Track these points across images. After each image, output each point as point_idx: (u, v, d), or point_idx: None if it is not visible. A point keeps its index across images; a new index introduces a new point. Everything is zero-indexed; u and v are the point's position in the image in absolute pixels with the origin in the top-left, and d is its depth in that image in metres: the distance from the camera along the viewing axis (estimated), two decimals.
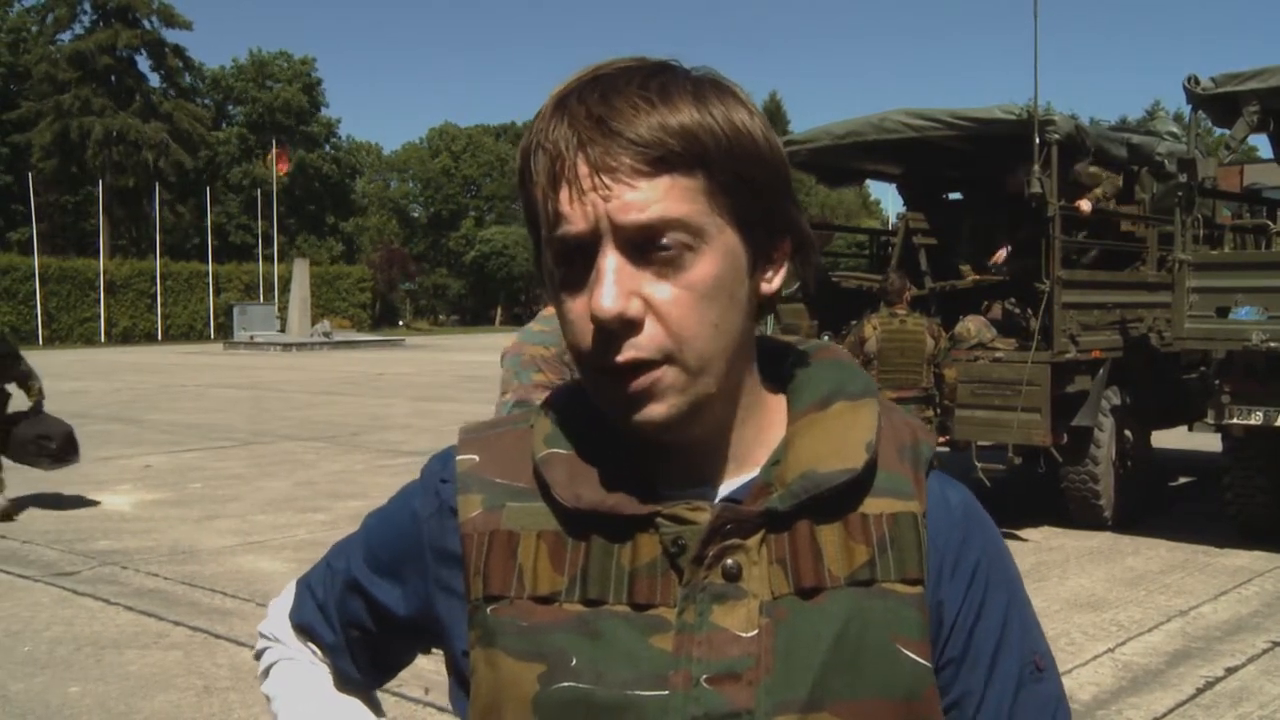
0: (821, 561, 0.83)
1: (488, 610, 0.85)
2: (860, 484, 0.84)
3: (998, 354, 8.04)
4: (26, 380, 8.77)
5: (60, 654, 5.34)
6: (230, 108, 61.39)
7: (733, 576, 0.82)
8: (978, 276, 9.05)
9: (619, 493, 0.84)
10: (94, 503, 9.15)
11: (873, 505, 0.85)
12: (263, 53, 60.93)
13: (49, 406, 8.94)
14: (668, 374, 0.79)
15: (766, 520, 0.83)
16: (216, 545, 7.66)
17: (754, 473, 0.87)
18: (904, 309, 7.34)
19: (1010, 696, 0.88)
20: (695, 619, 0.81)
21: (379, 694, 1.07)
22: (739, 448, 0.87)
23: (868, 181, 12.49)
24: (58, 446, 8.74)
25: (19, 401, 8.77)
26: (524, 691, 0.83)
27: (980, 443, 8.00)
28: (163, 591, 6.43)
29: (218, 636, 5.60)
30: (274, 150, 43.44)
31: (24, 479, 9.48)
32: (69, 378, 21.68)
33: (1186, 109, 8.17)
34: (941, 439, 7.66)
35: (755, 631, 0.81)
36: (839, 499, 0.84)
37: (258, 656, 1.07)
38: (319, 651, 1.02)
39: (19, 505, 8.77)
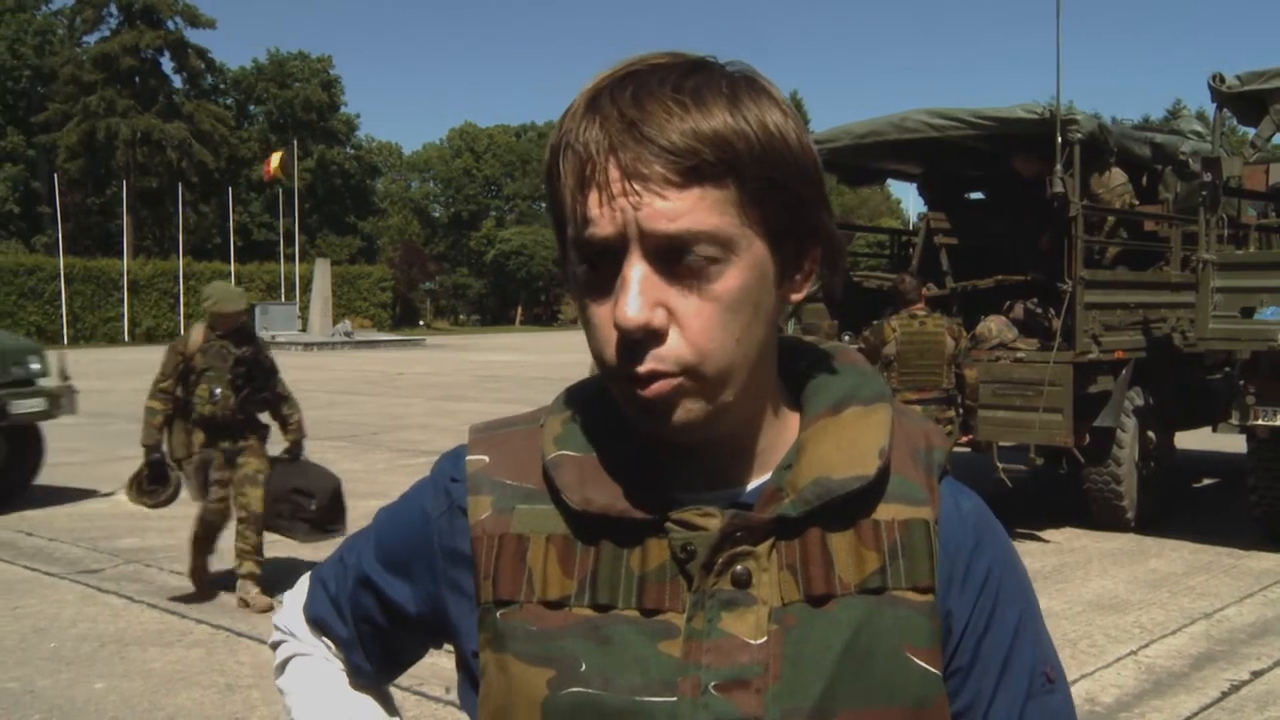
0: (832, 569, 0.82)
1: (498, 614, 0.85)
2: (872, 490, 0.84)
3: (1019, 354, 7.99)
4: (281, 408, 6.39)
5: (85, 651, 5.39)
6: (251, 108, 61.81)
7: (742, 583, 0.82)
8: (1000, 276, 9.01)
9: (629, 497, 0.83)
10: (118, 501, 9.22)
11: (884, 511, 0.84)
12: (281, 53, 61.41)
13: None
14: (686, 383, 0.78)
15: (777, 527, 0.82)
16: None
17: (768, 476, 0.86)
18: (923, 309, 7.30)
19: (1018, 707, 0.88)
20: (704, 626, 0.81)
21: (397, 693, 1.08)
22: (755, 451, 0.86)
23: (889, 181, 12.44)
24: (319, 507, 6.07)
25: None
26: (534, 696, 0.83)
27: (1002, 443, 7.96)
28: (186, 589, 6.47)
29: (240, 634, 5.64)
30: (268, 160, 42.77)
31: (46, 489, 9.52)
32: (93, 377, 21.84)
33: (1209, 107, 8.11)
34: (964, 439, 7.64)
35: (764, 639, 0.81)
36: (851, 505, 0.83)
37: (274, 648, 1.08)
38: (333, 646, 1.03)
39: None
